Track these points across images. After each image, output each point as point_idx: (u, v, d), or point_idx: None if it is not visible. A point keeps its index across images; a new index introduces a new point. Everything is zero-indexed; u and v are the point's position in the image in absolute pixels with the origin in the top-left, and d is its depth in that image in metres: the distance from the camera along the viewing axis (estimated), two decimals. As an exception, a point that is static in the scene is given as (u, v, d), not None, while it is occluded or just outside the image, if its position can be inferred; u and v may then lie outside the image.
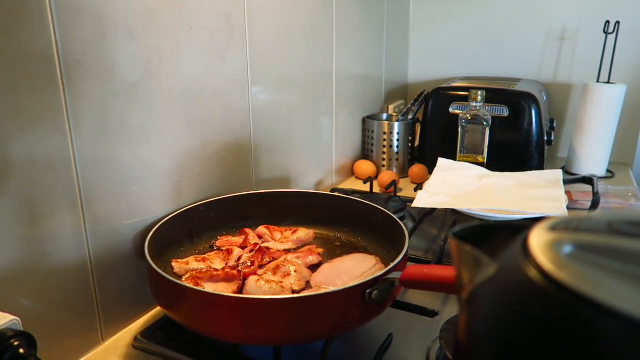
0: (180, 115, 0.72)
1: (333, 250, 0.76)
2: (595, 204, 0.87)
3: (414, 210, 1.03)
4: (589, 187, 1.09)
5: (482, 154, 1.12)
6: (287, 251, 0.73)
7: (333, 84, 1.13)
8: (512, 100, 1.20)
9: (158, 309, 0.70)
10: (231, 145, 0.83)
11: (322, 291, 0.58)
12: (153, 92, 0.66)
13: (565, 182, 0.97)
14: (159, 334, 0.63)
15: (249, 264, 0.66)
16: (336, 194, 0.90)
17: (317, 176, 1.13)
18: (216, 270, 0.64)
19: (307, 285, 0.65)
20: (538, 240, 0.26)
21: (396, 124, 1.26)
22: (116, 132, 0.62)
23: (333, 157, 1.19)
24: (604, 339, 0.21)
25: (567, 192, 1.00)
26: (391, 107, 1.44)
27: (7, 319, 0.44)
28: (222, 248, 0.74)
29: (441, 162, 1.09)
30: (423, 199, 0.92)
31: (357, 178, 1.28)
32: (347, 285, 0.54)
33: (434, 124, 1.30)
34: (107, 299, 0.63)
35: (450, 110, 1.24)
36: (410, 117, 1.30)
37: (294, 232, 0.78)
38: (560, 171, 1.01)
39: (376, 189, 1.15)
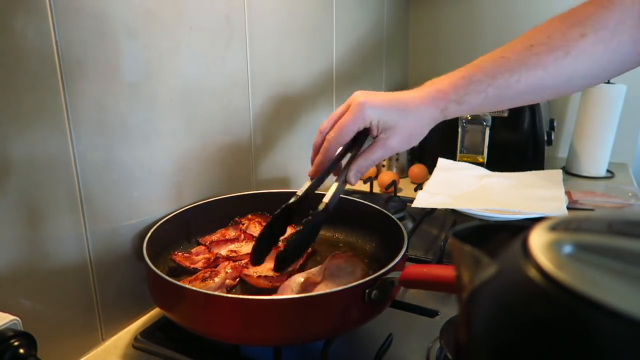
0: (180, 115, 0.72)
1: (332, 251, 0.76)
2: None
3: (414, 210, 1.03)
4: (589, 187, 1.10)
5: (482, 154, 1.12)
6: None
7: (333, 84, 1.13)
8: (512, 100, 1.19)
9: (158, 309, 0.70)
10: (231, 145, 0.83)
11: (322, 291, 0.57)
12: (153, 92, 0.66)
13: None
14: (159, 334, 0.63)
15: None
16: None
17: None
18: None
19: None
20: (538, 240, 0.26)
21: (396, 124, 1.26)
22: (116, 133, 0.62)
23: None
24: (604, 339, 0.21)
25: (567, 192, 1.00)
26: (391, 107, 1.44)
27: (7, 319, 0.44)
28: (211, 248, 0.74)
29: (441, 162, 1.09)
30: (423, 199, 0.92)
31: (357, 178, 1.28)
32: (347, 285, 0.54)
33: (434, 124, 1.30)
34: (107, 299, 0.63)
35: (450, 110, 1.24)
36: (410, 117, 1.30)
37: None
38: (560, 171, 1.01)
39: (376, 189, 1.15)
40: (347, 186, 1.22)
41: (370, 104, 0.59)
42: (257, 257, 0.63)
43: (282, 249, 0.61)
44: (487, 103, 0.61)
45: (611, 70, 0.60)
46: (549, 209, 0.85)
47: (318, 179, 0.64)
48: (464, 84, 0.60)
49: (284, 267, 0.61)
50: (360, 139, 0.63)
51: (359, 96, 0.60)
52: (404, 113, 0.60)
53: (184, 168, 0.74)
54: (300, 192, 0.63)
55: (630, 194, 1.11)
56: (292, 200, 0.63)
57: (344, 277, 0.66)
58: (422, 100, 0.61)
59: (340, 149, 0.63)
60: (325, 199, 0.61)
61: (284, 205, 0.62)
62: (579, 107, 1.28)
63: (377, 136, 0.61)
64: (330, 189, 0.62)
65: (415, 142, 0.63)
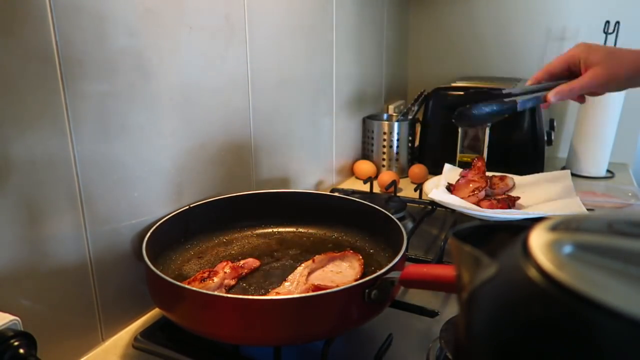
0: (180, 115, 0.72)
1: (331, 250, 0.76)
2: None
3: (414, 210, 1.03)
4: (589, 187, 1.10)
5: (482, 153, 1.12)
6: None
7: (333, 84, 1.13)
8: (512, 100, 1.19)
9: (158, 308, 0.70)
10: (231, 145, 0.83)
11: (322, 291, 0.57)
12: (153, 92, 0.66)
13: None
14: (159, 333, 0.63)
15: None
16: (336, 194, 0.90)
17: (317, 176, 1.13)
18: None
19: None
20: (538, 240, 0.26)
21: (396, 124, 1.26)
22: (116, 132, 0.62)
23: (333, 157, 1.19)
24: (604, 339, 0.21)
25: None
26: (391, 107, 1.44)
27: (7, 319, 0.44)
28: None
29: (447, 167, 1.09)
30: (438, 194, 0.92)
31: (357, 178, 1.28)
32: (347, 285, 0.54)
33: (434, 124, 1.30)
34: (107, 299, 0.63)
35: (450, 110, 1.24)
36: (410, 117, 1.30)
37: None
38: (569, 171, 1.01)
39: (376, 189, 1.15)
40: (347, 186, 1.22)
41: (581, 46, 0.73)
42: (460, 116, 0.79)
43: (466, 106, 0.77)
44: None
45: None
46: (568, 209, 0.85)
47: (525, 90, 0.78)
48: None
49: (459, 120, 0.78)
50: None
51: (576, 45, 0.74)
52: (610, 54, 0.69)
53: (184, 168, 0.74)
54: (507, 91, 0.78)
55: (630, 194, 1.11)
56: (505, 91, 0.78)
57: (344, 271, 0.66)
58: (637, 52, 0.69)
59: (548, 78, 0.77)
60: (517, 98, 0.76)
61: (490, 89, 0.80)
62: (579, 107, 1.28)
63: (583, 72, 0.72)
64: (525, 94, 0.78)
65: (615, 86, 0.72)
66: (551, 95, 0.74)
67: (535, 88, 0.78)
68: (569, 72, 0.75)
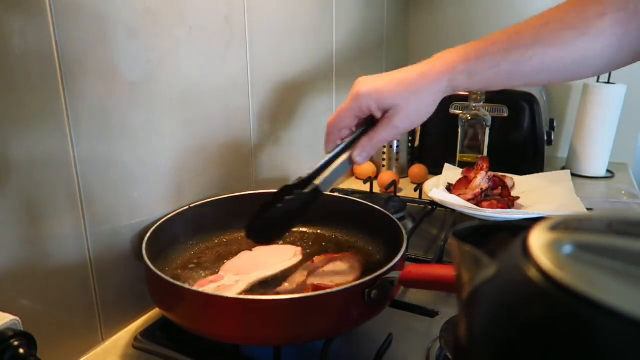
0: (181, 116, 0.72)
1: (331, 250, 0.76)
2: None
3: (414, 210, 1.03)
4: (588, 187, 1.10)
5: (482, 154, 1.12)
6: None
7: (333, 84, 1.13)
8: (512, 100, 1.20)
9: (158, 309, 0.70)
10: (231, 145, 0.83)
11: (322, 291, 0.58)
12: (153, 92, 0.66)
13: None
14: (159, 333, 0.63)
15: None
16: (336, 194, 0.90)
17: (317, 176, 1.13)
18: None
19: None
20: (538, 240, 0.26)
21: (396, 124, 1.26)
22: (116, 132, 0.62)
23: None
24: (604, 339, 0.21)
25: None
26: (391, 107, 1.43)
27: (7, 319, 0.44)
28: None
29: (447, 167, 1.09)
30: (439, 194, 0.92)
31: (357, 178, 1.28)
32: (347, 285, 0.54)
33: (434, 124, 1.29)
34: (107, 299, 0.63)
35: (450, 110, 1.24)
36: (410, 117, 1.30)
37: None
38: (568, 171, 1.01)
39: (376, 189, 1.15)
40: (347, 186, 1.22)
41: (365, 92, 0.60)
42: (252, 232, 0.61)
43: (254, 215, 0.60)
44: (499, 78, 0.59)
45: (628, 54, 0.57)
46: (567, 208, 0.86)
47: (326, 162, 0.63)
48: (475, 56, 0.59)
49: (252, 236, 0.61)
50: (374, 123, 0.62)
51: (357, 84, 0.61)
52: (405, 93, 0.59)
53: (184, 168, 0.74)
54: (306, 175, 0.61)
55: (622, 192, 1.11)
56: (293, 181, 0.61)
57: (344, 274, 0.66)
58: (425, 76, 0.60)
59: (348, 133, 0.64)
60: (317, 181, 0.60)
61: (284, 185, 0.60)
62: (579, 107, 1.28)
63: (381, 118, 0.61)
64: (327, 170, 0.61)
65: (423, 119, 0.62)
66: (357, 157, 0.62)
67: (335, 154, 0.63)
68: (364, 121, 0.63)
